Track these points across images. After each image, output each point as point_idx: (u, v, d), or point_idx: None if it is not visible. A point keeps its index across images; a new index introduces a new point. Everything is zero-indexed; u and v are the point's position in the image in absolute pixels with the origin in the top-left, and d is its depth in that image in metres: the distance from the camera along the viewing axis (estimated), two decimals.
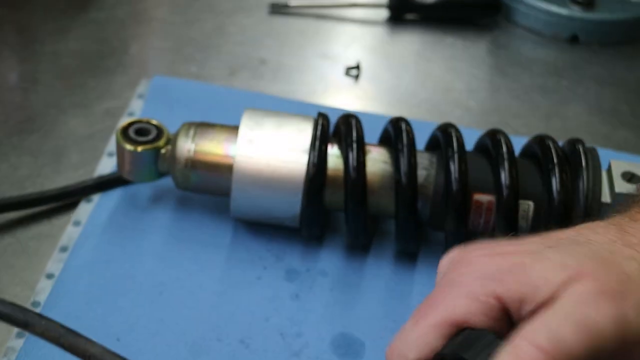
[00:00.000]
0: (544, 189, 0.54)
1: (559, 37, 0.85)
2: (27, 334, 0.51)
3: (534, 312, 0.35)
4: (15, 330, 0.51)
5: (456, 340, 0.35)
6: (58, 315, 0.51)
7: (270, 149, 0.55)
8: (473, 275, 0.37)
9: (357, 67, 0.78)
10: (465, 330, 0.36)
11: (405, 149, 0.55)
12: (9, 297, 0.40)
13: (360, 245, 0.59)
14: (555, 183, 0.54)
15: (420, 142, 0.57)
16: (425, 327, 0.36)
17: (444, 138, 0.56)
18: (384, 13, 0.86)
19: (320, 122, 0.57)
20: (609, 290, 0.34)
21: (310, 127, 0.56)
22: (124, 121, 0.58)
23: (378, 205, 0.56)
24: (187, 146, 0.56)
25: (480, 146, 0.58)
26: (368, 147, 0.57)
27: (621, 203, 0.45)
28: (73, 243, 0.57)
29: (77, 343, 0.34)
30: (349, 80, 0.77)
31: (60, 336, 0.34)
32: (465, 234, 0.55)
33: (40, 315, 0.34)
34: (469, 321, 0.35)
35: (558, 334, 0.33)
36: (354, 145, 0.55)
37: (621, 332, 0.34)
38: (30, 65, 0.74)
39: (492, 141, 0.56)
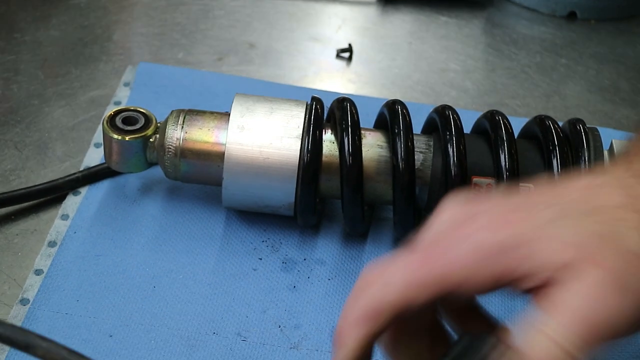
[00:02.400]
0: (545, 170, 0.53)
1: (556, 13, 0.83)
2: (8, 347, 0.49)
3: (534, 290, 0.35)
4: None
5: (456, 349, 0.35)
6: (48, 312, 0.50)
7: (263, 136, 0.54)
8: (473, 245, 0.36)
9: (349, 50, 0.76)
10: (464, 337, 0.35)
11: (402, 133, 0.53)
12: None
13: (357, 232, 0.57)
14: (556, 164, 0.53)
15: (416, 124, 0.55)
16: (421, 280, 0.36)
17: (441, 120, 0.54)
18: None
19: (314, 106, 0.55)
20: (617, 281, 0.34)
21: (303, 112, 0.55)
22: (110, 110, 0.56)
23: (375, 191, 0.55)
24: (176, 134, 0.54)
25: (478, 128, 0.57)
26: (363, 132, 0.55)
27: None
28: (61, 237, 0.55)
29: None
30: (340, 63, 0.75)
31: (63, 358, 0.32)
32: None
33: (42, 337, 0.32)
34: (462, 285, 0.36)
35: (572, 331, 0.34)
36: (349, 130, 0.53)
37: (631, 322, 0.34)
38: (10, 55, 0.72)
39: (491, 122, 0.55)
